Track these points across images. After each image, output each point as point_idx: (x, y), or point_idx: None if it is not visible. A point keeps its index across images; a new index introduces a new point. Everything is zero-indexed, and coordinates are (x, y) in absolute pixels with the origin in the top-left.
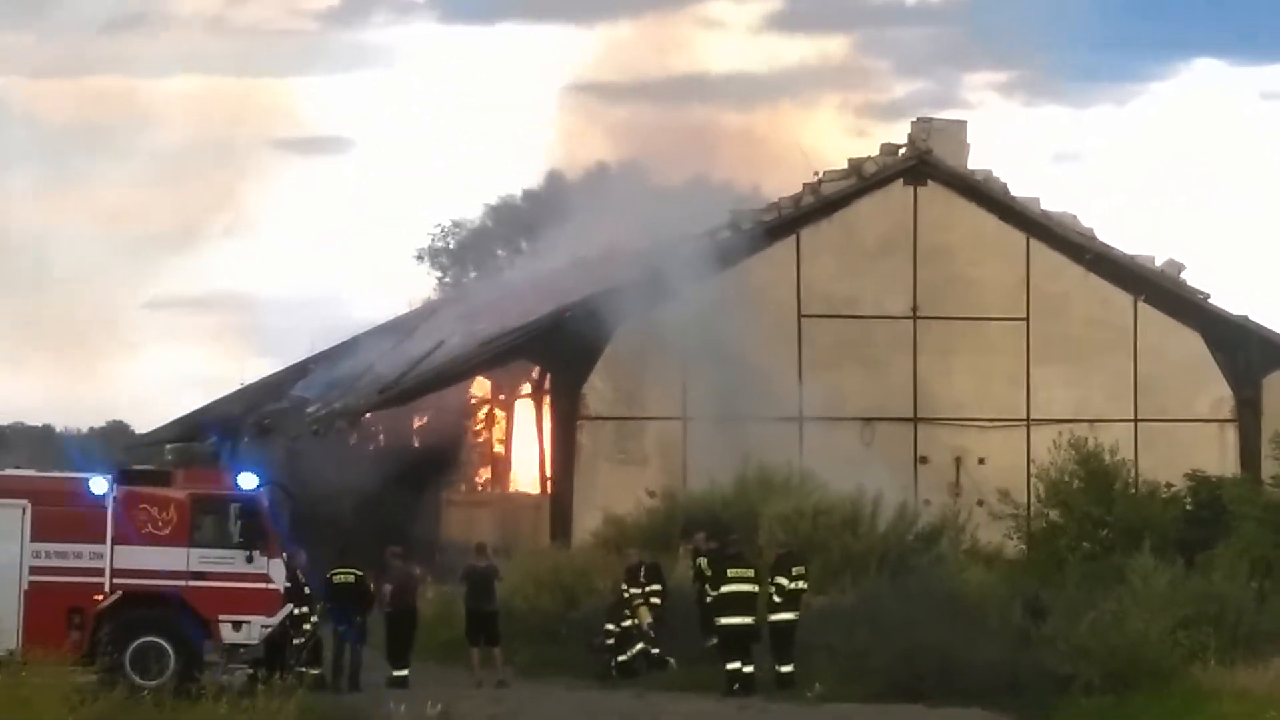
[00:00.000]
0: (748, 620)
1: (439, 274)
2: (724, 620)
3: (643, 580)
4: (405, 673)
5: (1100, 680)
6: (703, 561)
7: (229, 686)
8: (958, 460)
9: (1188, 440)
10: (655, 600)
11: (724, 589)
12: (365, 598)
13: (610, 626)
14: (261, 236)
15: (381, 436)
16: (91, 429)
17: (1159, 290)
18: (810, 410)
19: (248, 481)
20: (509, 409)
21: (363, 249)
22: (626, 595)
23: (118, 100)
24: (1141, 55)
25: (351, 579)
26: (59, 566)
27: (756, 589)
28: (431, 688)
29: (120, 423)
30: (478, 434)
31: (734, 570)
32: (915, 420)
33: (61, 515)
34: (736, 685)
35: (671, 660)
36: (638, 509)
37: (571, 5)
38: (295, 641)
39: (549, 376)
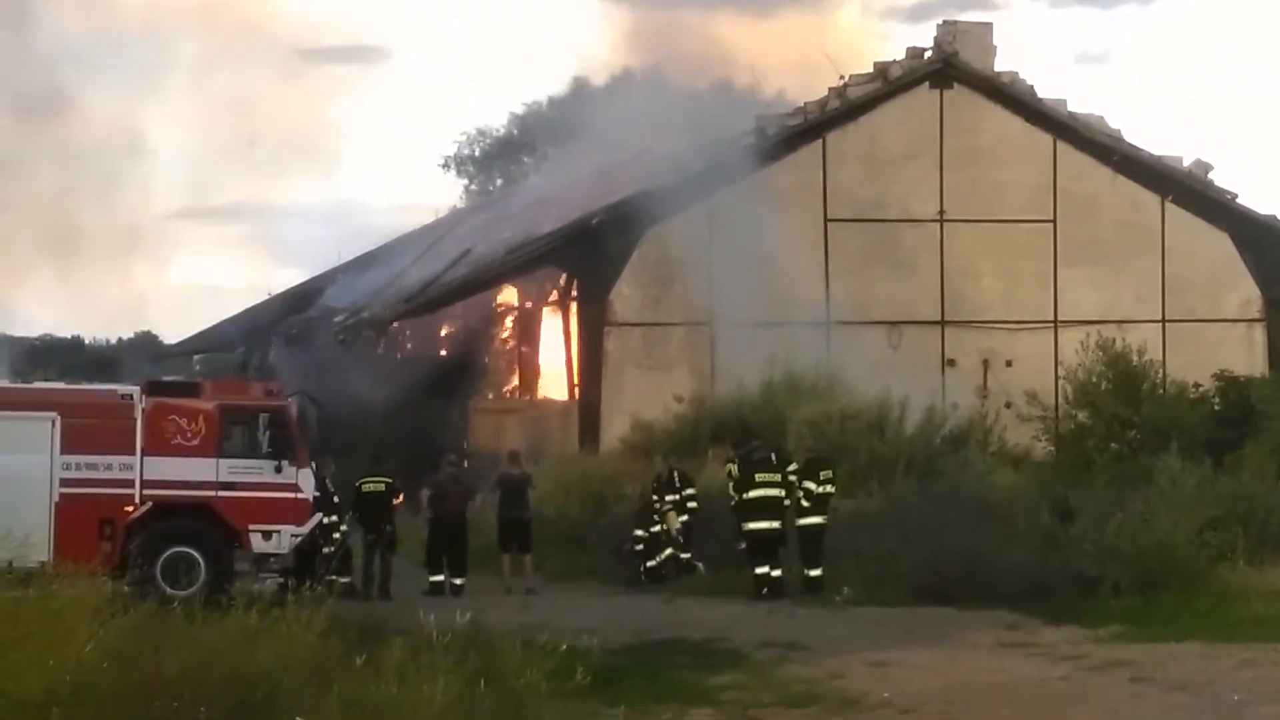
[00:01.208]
0: (775, 525)
1: (466, 182)
2: (751, 525)
3: (678, 486)
4: (440, 579)
5: (1128, 581)
6: (732, 467)
7: (259, 596)
8: (985, 363)
9: (1215, 340)
10: (692, 505)
11: (750, 494)
12: (394, 505)
13: (639, 532)
14: (289, 146)
15: (409, 345)
16: (120, 340)
17: (1187, 191)
18: (837, 314)
19: (276, 391)
20: (536, 316)
21: (390, 158)
22: (655, 502)
23: (143, 9)
24: None
25: (381, 487)
26: (89, 479)
27: (783, 493)
28: (462, 596)
29: (149, 333)
30: (505, 341)
31: (761, 475)
32: (943, 323)
33: (91, 427)
34: (765, 590)
35: (700, 565)
36: (665, 414)
37: None
38: (325, 550)
39: (576, 283)
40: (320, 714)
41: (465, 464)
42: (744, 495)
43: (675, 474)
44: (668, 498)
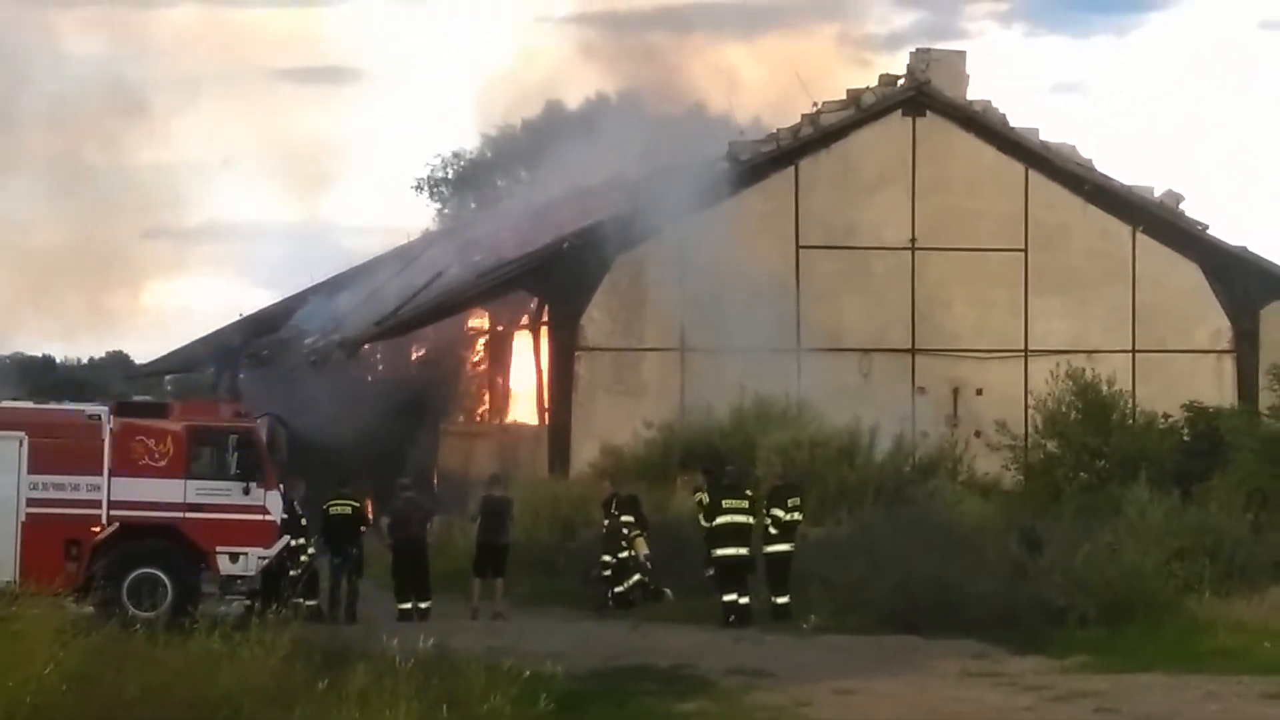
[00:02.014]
0: (743, 551)
1: (438, 205)
2: (720, 551)
3: (614, 512)
4: (408, 605)
5: (1095, 612)
6: (702, 495)
7: (224, 618)
8: (955, 391)
9: (1185, 371)
10: (624, 530)
11: (719, 520)
12: (361, 530)
13: (607, 558)
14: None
15: (380, 368)
16: (92, 359)
17: (1157, 221)
18: (808, 341)
19: (245, 413)
20: (507, 340)
21: (362, 181)
22: (624, 530)
23: (117, 29)
24: None
25: (348, 510)
26: (56, 499)
27: (752, 520)
28: (429, 620)
29: (121, 353)
30: (476, 365)
31: (729, 501)
32: (913, 351)
33: (59, 447)
34: (732, 616)
35: (668, 591)
36: (635, 440)
37: None
38: (292, 573)
39: (547, 307)
40: None
41: (435, 486)
42: (713, 522)
43: (615, 499)
44: (616, 521)
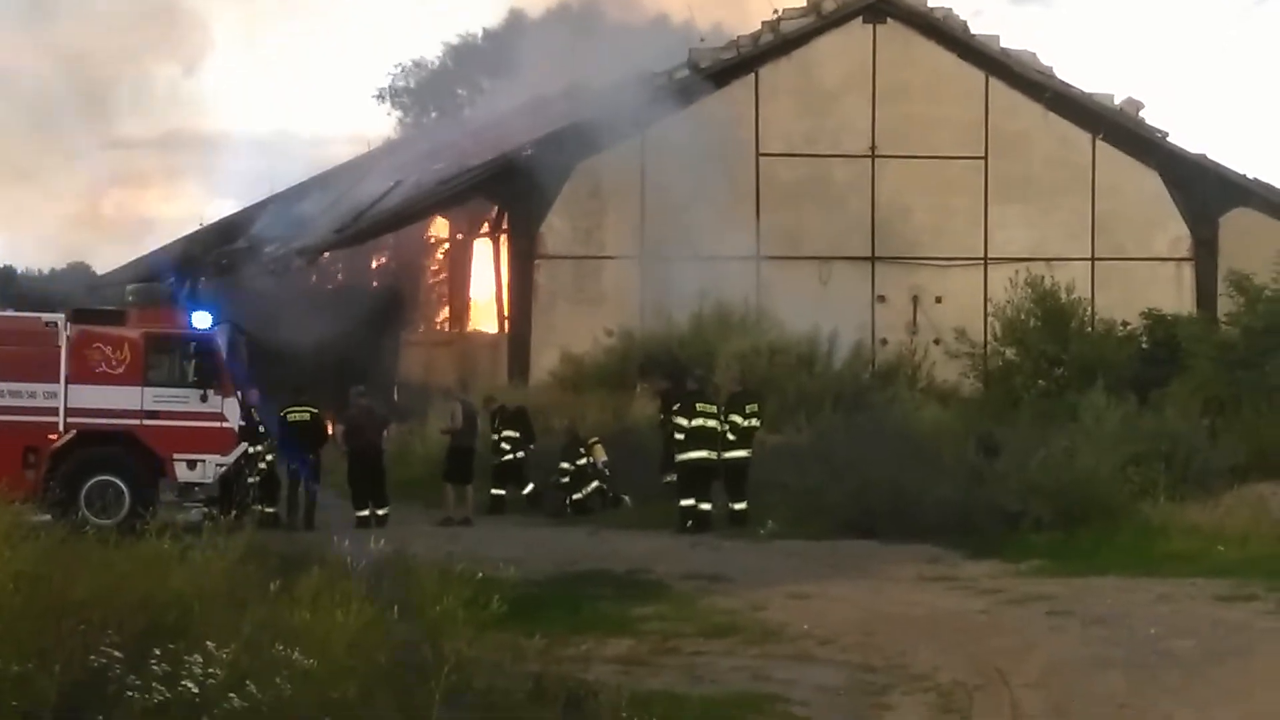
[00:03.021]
0: (711, 455)
1: (399, 114)
2: (689, 455)
3: (496, 426)
4: (365, 513)
5: (1050, 516)
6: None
7: (176, 524)
8: (915, 299)
9: (1144, 279)
10: (505, 445)
11: (694, 423)
12: (320, 436)
13: (565, 465)
14: (223, 76)
15: (340, 276)
16: (53, 270)
17: (1117, 129)
18: (767, 249)
19: (202, 320)
20: (467, 249)
21: (324, 89)
22: (582, 438)
23: None
24: None
25: (306, 417)
26: (13, 406)
27: (719, 425)
28: (385, 526)
29: (81, 264)
30: (436, 273)
31: (701, 405)
32: (873, 259)
33: (15, 355)
34: (689, 521)
35: (626, 498)
36: (595, 348)
37: None
38: (250, 480)
39: (507, 215)
40: (231, 638)
41: (394, 394)
42: (690, 424)
43: (499, 412)
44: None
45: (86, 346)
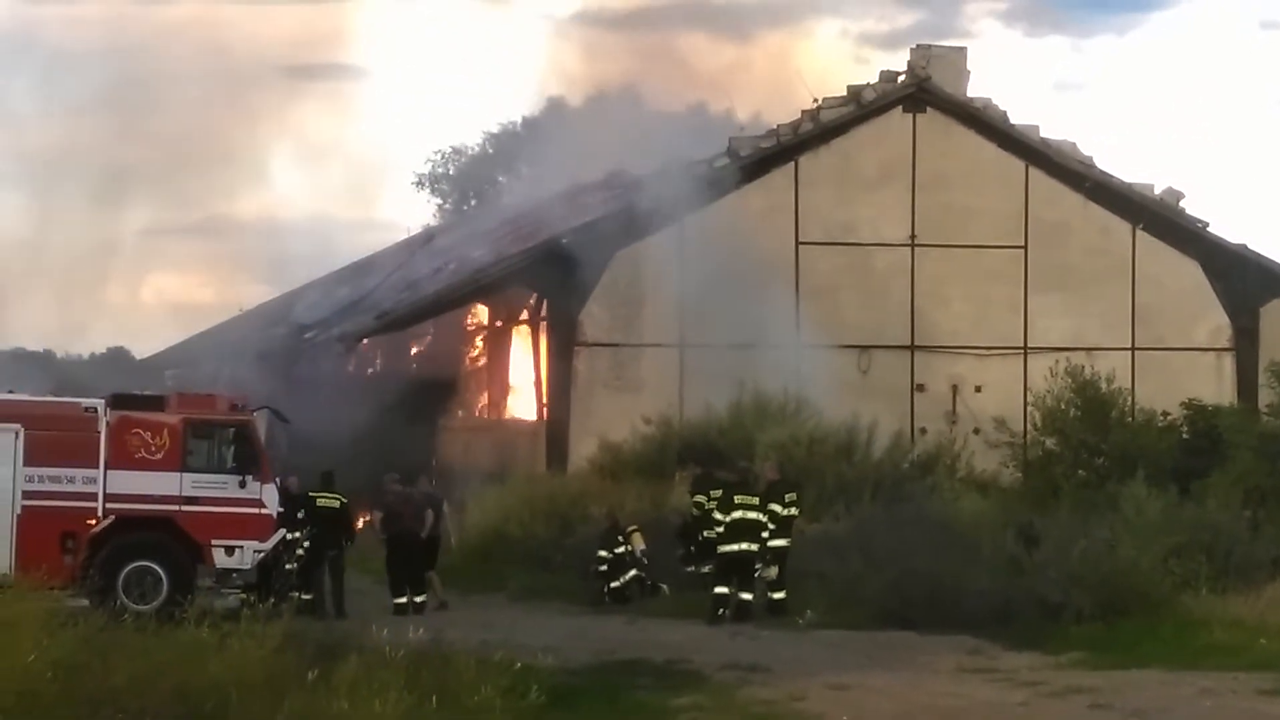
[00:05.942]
0: (752, 547)
1: (439, 201)
2: (727, 548)
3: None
4: (403, 600)
5: (1091, 608)
6: (702, 499)
7: (213, 610)
8: (954, 388)
9: (1184, 369)
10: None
11: (733, 515)
12: (348, 525)
13: (603, 553)
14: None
15: (379, 362)
16: (92, 355)
17: (1158, 218)
18: (807, 337)
19: (241, 406)
20: (506, 336)
21: (363, 176)
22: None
23: (119, 25)
24: None
25: (335, 504)
26: (52, 491)
27: (762, 516)
28: (424, 614)
29: (121, 349)
30: (475, 360)
31: (740, 497)
32: (912, 348)
33: (55, 439)
34: (721, 610)
35: (664, 587)
36: (633, 435)
37: None
38: (288, 567)
39: (546, 303)
40: None
41: (433, 482)
42: (728, 517)
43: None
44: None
45: (126, 432)
